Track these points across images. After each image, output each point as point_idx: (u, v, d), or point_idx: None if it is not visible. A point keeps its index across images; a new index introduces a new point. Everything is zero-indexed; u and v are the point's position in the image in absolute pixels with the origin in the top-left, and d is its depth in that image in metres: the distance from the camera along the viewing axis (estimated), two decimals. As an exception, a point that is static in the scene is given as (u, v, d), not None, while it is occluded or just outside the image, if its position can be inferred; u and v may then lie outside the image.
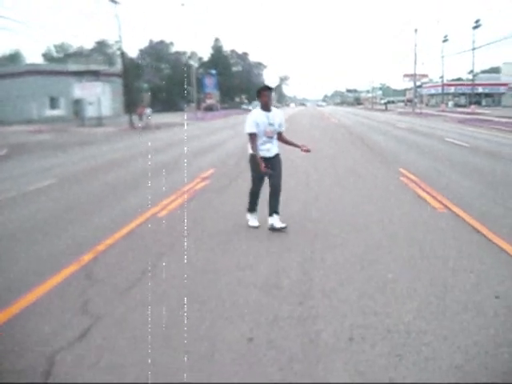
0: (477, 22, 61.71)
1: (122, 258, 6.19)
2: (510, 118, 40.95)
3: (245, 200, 7.55)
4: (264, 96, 7.02)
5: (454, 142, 21.24)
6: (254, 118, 7.04)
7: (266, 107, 7.07)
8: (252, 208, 7.50)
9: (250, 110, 7.55)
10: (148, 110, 43.41)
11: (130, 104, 47.83)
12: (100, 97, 46.51)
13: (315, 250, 6.33)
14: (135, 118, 42.28)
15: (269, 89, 7.25)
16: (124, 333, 4.17)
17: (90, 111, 48.57)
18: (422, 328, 4.11)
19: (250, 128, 7.02)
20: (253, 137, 7.01)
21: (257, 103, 7.35)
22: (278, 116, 7.20)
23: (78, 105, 50.00)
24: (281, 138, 7.38)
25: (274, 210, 7.17)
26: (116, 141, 27.52)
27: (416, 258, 5.93)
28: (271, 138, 7.13)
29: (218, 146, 21.77)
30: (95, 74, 49.22)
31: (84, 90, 44.88)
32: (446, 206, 8.57)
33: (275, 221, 7.14)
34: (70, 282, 5.38)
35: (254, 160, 7.07)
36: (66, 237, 7.21)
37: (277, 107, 7.91)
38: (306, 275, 5.42)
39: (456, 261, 5.81)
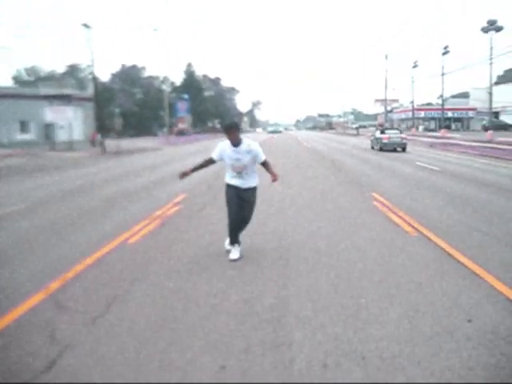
0: (445, 48, 63.20)
1: (91, 285, 6.06)
2: (478, 141, 41.76)
3: (217, 226, 7.52)
4: (230, 133, 6.72)
5: (424, 166, 21.54)
6: (221, 148, 6.94)
7: (233, 142, 6.81)
8: (233, 240, 7.13)
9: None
10: (99, 136, 43.32)
11: (102, 128, 47.54)
12: (71, 121, 46.15)
13: (288, 276, 6.29)
14: (88, 144, 42.01)
15: (234, 126, 6.79)
16: (94, 362, 4.06)
17: (61, 135, 48.07)
18: (395, 353, 4.09)
19: (213, 153, 7.02)
20: (209, 160, 7.09)
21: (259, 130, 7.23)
22: (249, 150, 6.85)
23: (48, 129, 49.48)
24: (265, 167, 7.19)
25: (234, 240, 7.13)
26: (87, 165, 27.24)
27: (388, 282, 5.94)
28: (240, 173, 6.93)
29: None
30: (67, 98, 48.89)
31: (55, 114, 44.46)
32: (417, 230, 8.63)
33: (233, 249, 7.13)
34: (37, 310, 5.24)
35: (228, 189, 7.04)
36: (34, 263, 7.04)
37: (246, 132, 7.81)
38: (281, 301, 5.38)
39: (428, 285, 5.83)
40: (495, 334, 4.45)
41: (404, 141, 34.40)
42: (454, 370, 3.79)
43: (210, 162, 7.12)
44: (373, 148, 36.36)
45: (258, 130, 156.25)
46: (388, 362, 3.94)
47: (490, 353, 4.09)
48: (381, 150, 33.81)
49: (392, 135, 34.78)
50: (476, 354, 4.07)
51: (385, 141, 34.10)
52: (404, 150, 33.62)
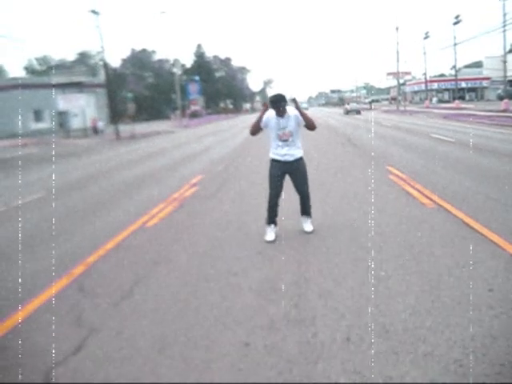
0: (457, 17, 62.12)
1: (113, 269, 6.15)
2: (492, 111, 41.29)
3: (234, 205, 7.53)
4: (277, 107, 6.64)
5: (439, 138, 21.36)
6: (267, 117, 6.81)
7: (280, 114, 6.73)
8: (270, 219, 6.97)
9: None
10: (100, 123, 43.02)
11: (115, 114, 47.68)
12: (84, 108, 46.35)
13: (308, 251, 6.33)
14: (90, 131, 41.64)
15: (282, 100, 6.67)
16: (120, 344, 4.14)
17: (75, 123, 48.39)
18: (417, 324, 4.11)
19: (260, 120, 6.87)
20: (256, 123, 6.89)
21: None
22: (291, 117, 6.74)
23: (62, 117, 49.77)
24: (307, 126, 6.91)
25: (304, 210, 7.18)
26: (102, 151, 27.42)
27: (407, 254, 5.94)
28: (286, 141, 6.78)
29: (204, 153, 21.76)
30: (78, 86, 49.09)
31: (68, 102, 44.71)
32: (434, 202, 8.60)
33: (304, 222, 7.19)
34: (62, 295, 5.34)
35: (272, 165, 6.94)
36: (57, 249, 7.14)
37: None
38: (301, 277, 5.42)
39: (448, 256, 5.83)
40: (517, 302, 4.46)
41: (359, 109, 64.03)
42: (477, 339, 3.81)
43: (258, 125, 6.91)
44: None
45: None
46: (410, 334, 3.96)
47: (513, 321, 4.11)
48: (346, 114, 62.33)
49: (352, 106, 66.33)
50: (498, 323, 4.08)
51: (348, 108, 64.74)
52: (359, 113, 60.82)
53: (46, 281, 5.77)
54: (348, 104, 69.41)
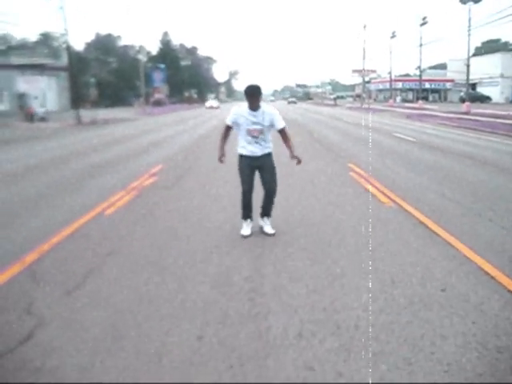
0: (424, 18, 63.02)
1: (68, 256, 6.02)
2: (454, 113, 42.11)
3: (193, 196, 7.47)
4: (252, 98, 6.37)
5: (401, 137, 21.66)
6: (236, 113, 6.60)
7: (253, 107, 6.43)
8: (245, 215, 6.85)
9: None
10: (41, 110, 41.02)
11: (77, 99, 46.73)
12: (45, 91, 45.33)
13: (265, 246, 6.33)
14: (24, 119, 39.11)
15: (257, 90, 6.42)
16: (70, 334, 4.05)
17: (36, 106, 47.27)
18: (370, 322, 4.15)
19: (227, 120, 6.70)
20: (226, 130, 6.76)
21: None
22: (267, 114, 6.48)
23: (22, 99, 48.54)
24: (282, 136, 6.73)
25: (265, 212, 6.90)
26: (62, 137, 26.83)
27: (364, 252, 5.99)
28: (256, 137, 6.54)
29: (166, 142, 21.59)
30: (40, 68, 47.98)
31: (28, 84, 43.70)
32: (393, 201, 8.71)
33: (264, 224, 6.92)
34: (13, 282, 5.20)
35: (241, 160, 6.74)
36: (9, 236, 6.98)
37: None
38: (257, 272, 5.41)
39: (403, 255, 5.91)
40: (467, 303, 4.54)
41: (295, 101, 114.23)
42: (428, 338, 3.87)
43: (228, 129, 6.78)
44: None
45: (211, 101, 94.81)
46: (362, 331, 3.99)
47: (462, 321, 4.18)
48: (288, 104, 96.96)
49: (291, 99, 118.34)
50: (449, 323, 4.15)
51: (289, 100, 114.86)
52: (295, 103, 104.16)
53: (-4, 267, 5.62)
54: (290, 98, 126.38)
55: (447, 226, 7.05)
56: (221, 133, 6.90)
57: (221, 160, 6.89)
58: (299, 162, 6.72)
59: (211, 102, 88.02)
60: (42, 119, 38.62)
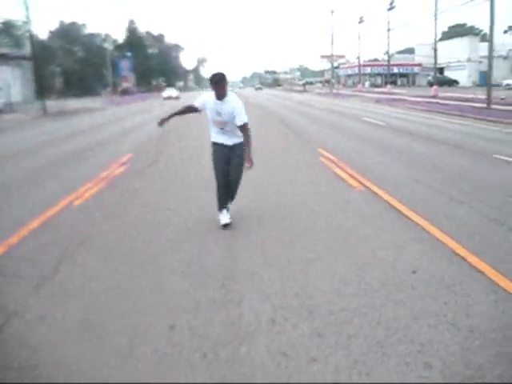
0: (391, 3, 63.21)
1: (36, 249, 5.89)
2: (422, 97, 42.55)
3: (163, 185, 7.38)
4: (218, 87, 6.06)
5: (370, 122, 21.79)
6: (205, 98, 6.41)
7: (219, 96, 6.13)
8: (220, 206, 6.60)
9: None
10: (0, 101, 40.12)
11: (42, 89, 45.80)
12: (9, 82, 44.31)
13: (237, 233, 6.29)
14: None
15: (223, 79, 6.09)
16: (42, 327, 3.96)
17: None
18: (342, 306, 4.15)
19: (196, 101, 6.53)
20: (190, 107, 6.58)
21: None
22: (230, 106, 6.16)
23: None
24: (242, 132, 6.34)
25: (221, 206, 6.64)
26: (28, 128, 26.31)
27: (335, 236, 6.01)
28: (222, 129, 6.33)
29: (135, 131, 21.36)
30: (2, 57, 46.80)
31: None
32: (363, 185, 8.73)
33: (222, 215, 6.61)
34: (-22, 277, 5.07)
35: (214, 149, 6.53)
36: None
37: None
38: (230, 258, 5.37)
39: (374, 238, 5.93)
40: (439, 284, 4.58)
41: (261, 87, 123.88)
42: (400, 320, 3.88)
43: (192, 109, 6.58)
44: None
45: (168, 90, 77.43)
46: (335, 316, 3.99)
47: (434, 302, 4.21)
48: (255, 90, 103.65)
49: (258, 85, 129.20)
50: (421, 304, 4.18)
51: (256, 87, 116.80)
52: (261, 89, 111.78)
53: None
54: (257, 85, 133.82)
55: (418, 209, 7.09)
56: (183, 106, 6.74)
57: (160, 124, 6.66)
58: (250, 166, 6.30)
59: (169, 91, 71.76)
60: (0, 111, 37.52)
